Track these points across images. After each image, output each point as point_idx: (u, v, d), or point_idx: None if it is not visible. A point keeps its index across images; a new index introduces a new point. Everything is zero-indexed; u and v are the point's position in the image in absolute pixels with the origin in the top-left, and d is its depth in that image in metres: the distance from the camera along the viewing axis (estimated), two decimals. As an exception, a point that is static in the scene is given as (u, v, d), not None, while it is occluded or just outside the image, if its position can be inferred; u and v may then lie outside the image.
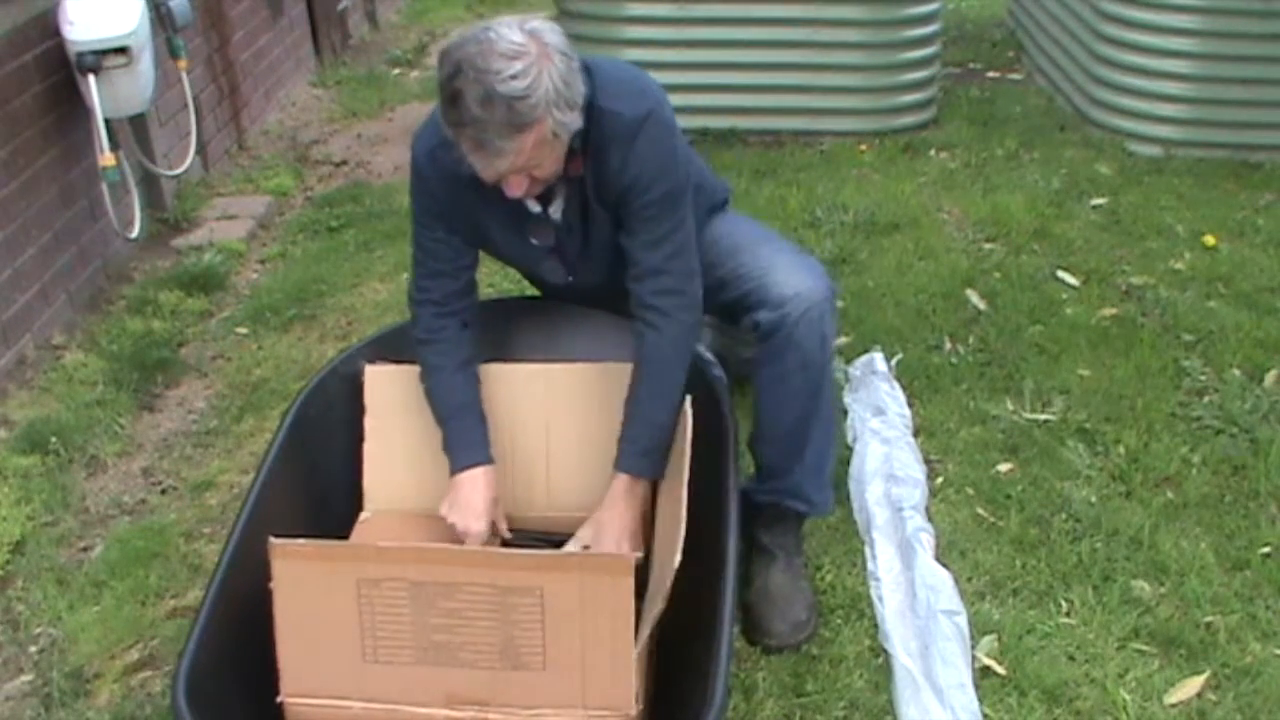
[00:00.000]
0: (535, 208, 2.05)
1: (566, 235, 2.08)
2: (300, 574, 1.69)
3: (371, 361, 2.18)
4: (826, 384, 2.16)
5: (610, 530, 1.99)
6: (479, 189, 1.95)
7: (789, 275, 2.10)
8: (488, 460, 2.07)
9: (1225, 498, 2.56)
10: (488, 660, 1.68)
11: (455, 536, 2.01)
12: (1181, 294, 3.39)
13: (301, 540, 1.71)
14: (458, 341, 2.13)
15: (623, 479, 2.00)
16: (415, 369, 2.14)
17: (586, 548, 1.98)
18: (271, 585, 1.69)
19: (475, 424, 2.09)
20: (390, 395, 2.13)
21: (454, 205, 2.06)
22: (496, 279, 3.46)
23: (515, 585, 1.65)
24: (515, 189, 1.89)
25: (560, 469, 2.12)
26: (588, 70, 1.93)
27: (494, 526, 2.06)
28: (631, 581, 1.65)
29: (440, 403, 2.11)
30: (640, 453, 2.01)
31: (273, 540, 1.68)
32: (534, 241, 2.09)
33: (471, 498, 2.03)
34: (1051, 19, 5.17)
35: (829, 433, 2.24)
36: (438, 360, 2.12)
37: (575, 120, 1.85)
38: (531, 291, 2.50)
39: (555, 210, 2.06)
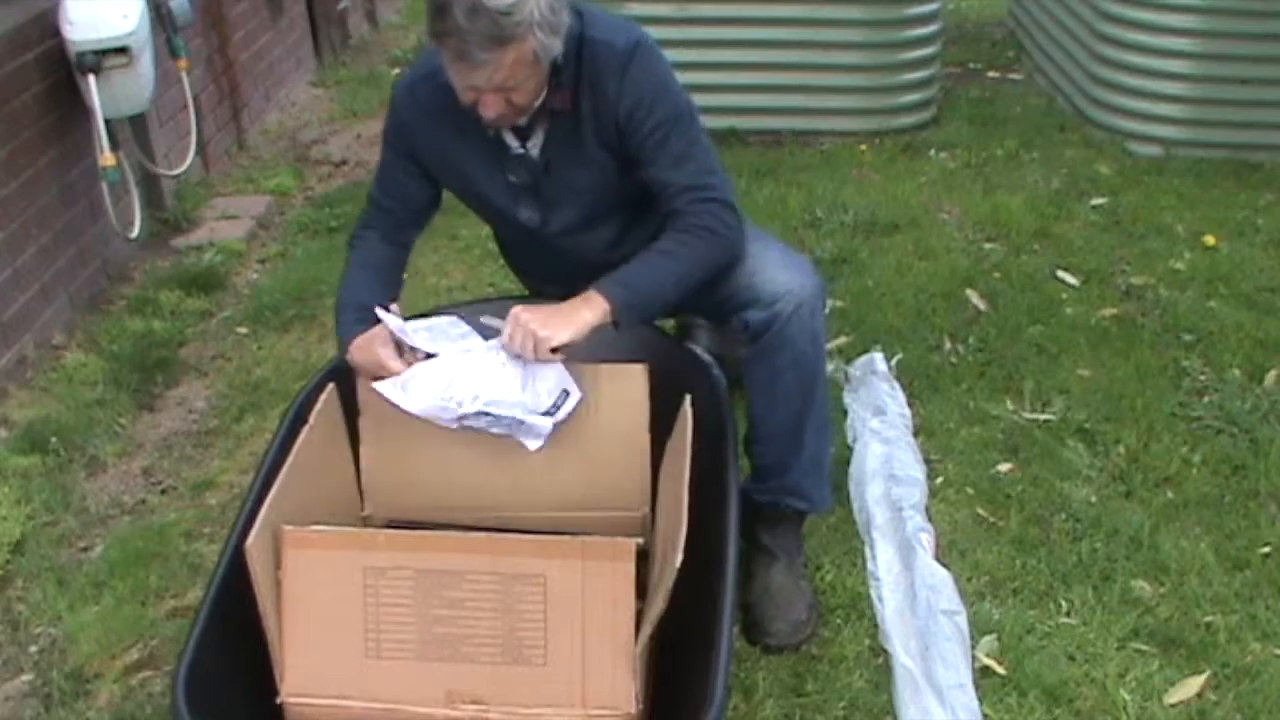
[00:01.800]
0: (514, 144, 2.06)
1: (543, 174, 2.08)
2: (309, 563, 1.71)
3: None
4: (820, 380, 2.16)
5: (546, 313, 1.93)
6: (458, 125, 1.99)
7: (778, 273, 2.09)
8: (366, 325, 2.03)
9: (1225, 498, 2.56)
10: (489, 654, 1.69)
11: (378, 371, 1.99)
12: (1181, 294, 3.39)
13: (312, 528, 1.73)
14: (383, 253, 2.17)
15: (592, 293, 1.95)
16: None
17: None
18: (280, 575, 1.71)
19: (357, 321, 2.07)
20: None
21: (428, 142, 2.09)
22: (497, 279, 3.47)
23: (519, 573, 1.67)
24: (490, 109, 1.90)
25: (558, 469, 2.12)
26: (576, 11, 1.98)
27: (385, 342, 2.00)
28: (632, 567, 1.67)
29: (345, 294, 2.12)
30: (621, 282, 1.97)
31: (284, 528, 1.70)
32: (511, 179, 2.09)
33: (369, 353, 2.00)
34: (1051, 19, 5.17)
35: (825, 429, 2.24)
36: (358, 257, 2.17)
37: (557, 46, 1.89)
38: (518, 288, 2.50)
39: (533, 147, 2.06)
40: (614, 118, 2.00)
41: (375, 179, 2.22)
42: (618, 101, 1.99)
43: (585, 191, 2.10)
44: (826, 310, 3.23)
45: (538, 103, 1.99)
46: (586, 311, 1.94)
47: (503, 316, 2.26)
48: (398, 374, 1.98)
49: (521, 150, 2.07)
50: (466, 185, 2.17)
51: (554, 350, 1.92)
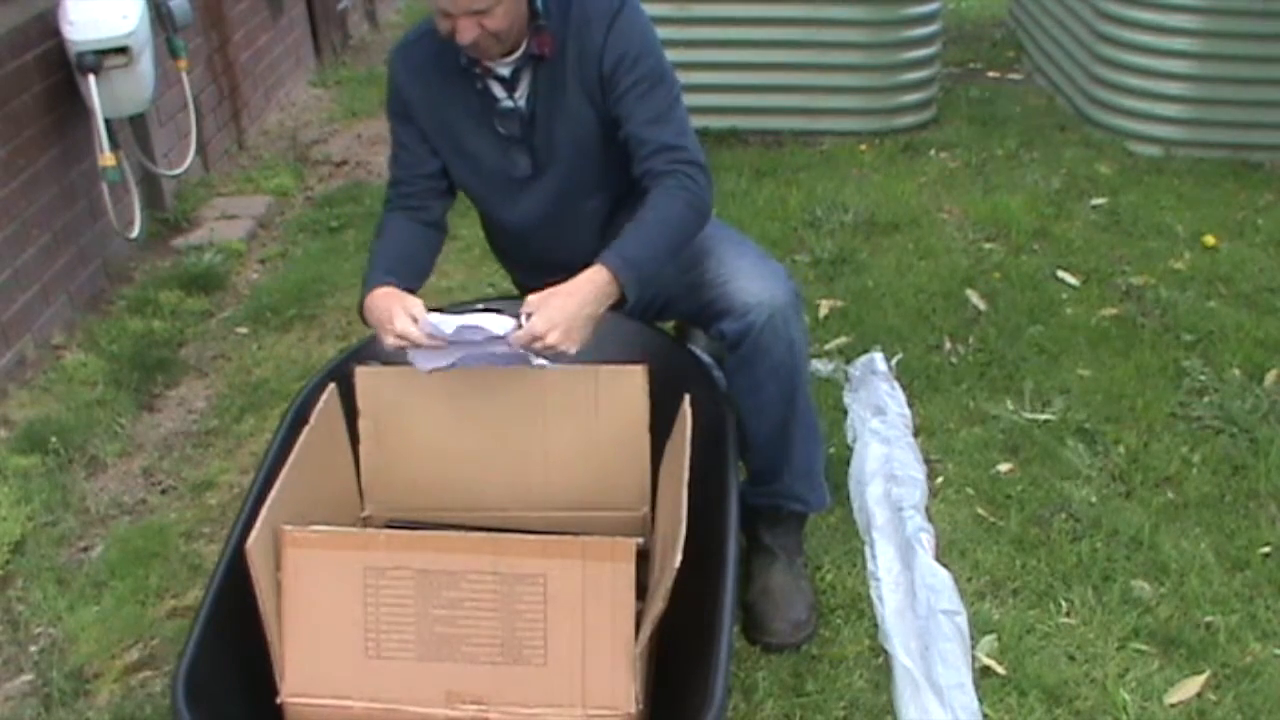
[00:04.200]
0: (501, 94, 2.08)
1: (530, 124, 2.09)
2: (309, 563, 1.71)
3: (369, 362, 2.18)
4: (801, 386, 2.15)
5: (557, 304, 1.88)
6: (448, 81, 2.05)
7: (749, 282, 2.08)
8: (383, 282, 2.02)
9: (1225, 498, 2.56)
10: (489, 654, 1.69)
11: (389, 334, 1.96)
12: (1181, 294, 3.39)
13: (312, 528, 1.74)
14: (405, 226, 2.19)
15: (599, 268, 1.91)
16: (407, 369, 2.14)
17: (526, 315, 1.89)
18: (280, 575, 1.71)
19: (380, 268, 2.08)
20: (383, 396, 2.13)
21: (420, 99, 2.13)
22: (497, 279, 3.47)
23: (519, 573, 1.67)
24: (465, 34, 1.93)
25: (558, 469, 2.12)
26: None
27: (405, 306, 1.97)
28: (633, 568, 1.67)
29: (374, 257, 2.14)
30: (627, 258, 1.94)
31: (284, 528, 1.71)
32: (500, 130, 2.11)
33: (379, 309, 1.98)
34: (1052, 19, 5.17)
35: (812, 432, 2.24)
36: (379, 232, 2.20)
37: None
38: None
39: (520, 98, 2.08)
40: (598, 68, 2.02)
41: (389, 157, 2.24)
42: (603, 51, 2.01)
43: (569, 145, 2.10)
44: (823, 314, 3.24)
45: (522, 46, 2.01)
46: (594, 304, 1.91)
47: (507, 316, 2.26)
48: (400, 333, 1.94)
49: (510, 103, 2.08)
50: (458, 143, 2.17)
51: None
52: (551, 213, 2.17)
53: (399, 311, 1.94)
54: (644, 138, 2.05)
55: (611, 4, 2.03)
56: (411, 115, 2.15)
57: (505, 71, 2.05)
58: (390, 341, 1.95)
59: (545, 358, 1.93)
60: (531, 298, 1.92)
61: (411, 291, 2.01)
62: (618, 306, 1.98)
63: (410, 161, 2.20)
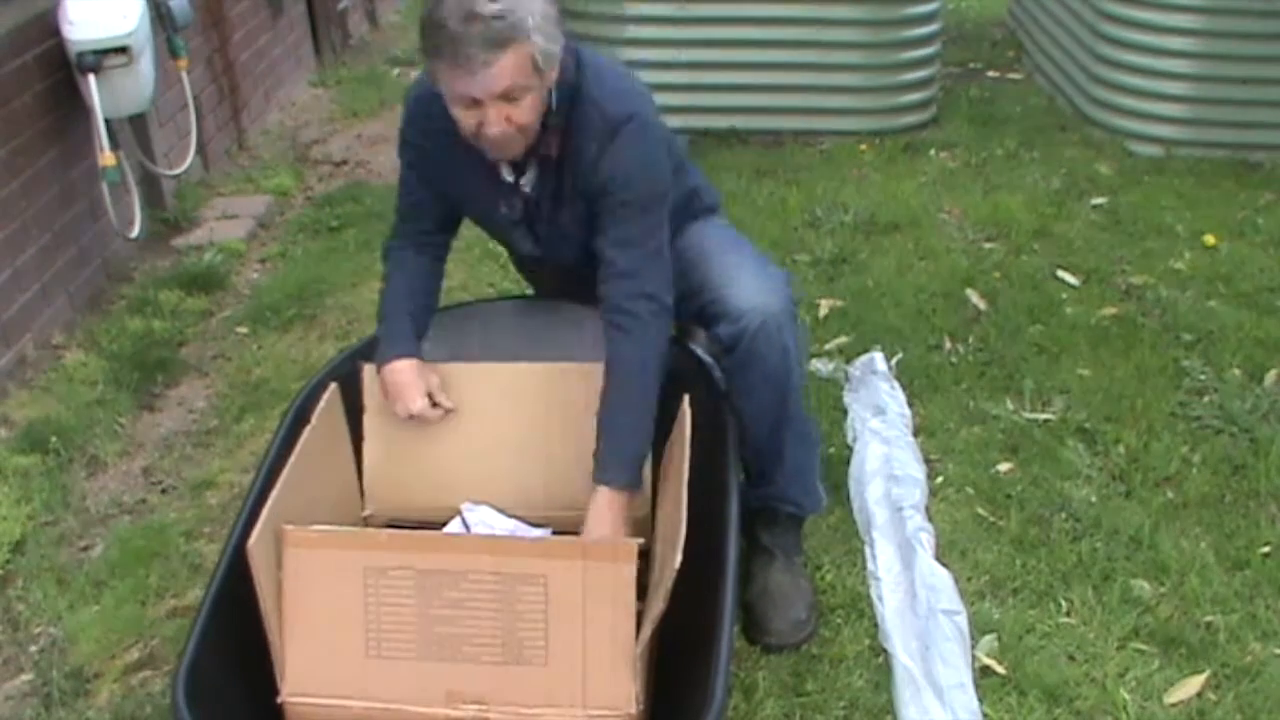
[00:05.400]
0: (509, 176, 2.06)
1: (535, 209, 2.09)
2: (310, 562, 1.72)
3: (371, 360, 2.18)
4: (793, 392, 2.15)
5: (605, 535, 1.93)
6: (460, 148, 1.98)
7: (744, 289, 2.08)
8: (411, 353, 2.10)
9: (1225, 498, 2.56)
10: (490, 654, 1.70)
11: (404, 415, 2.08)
12: (1181, 294, 3.39)
13: (312, 528, 1.74)
14: (416, 263, 2.20)
15: (604, 492, 1.93)
16: None
17: None
18: (281, 575, 1.71)
19: (406, 323, 2.12)
20: None
21: (435, 157, 2.10)
22: (496, 278, 3.47)
23: (520, 573, 1.68)
24: (493, 125, 1.86)
25: (560, 468, 2.12)
26: (579, 60, 1.97)
27: (432, 399, 2.08)
28: (634, 569, 1.67)
29: (382, 304, 2.18)
30: (619, 464, 1.96)
31: (285, 527, 1.71)
32: (504, 210, 2.10)
33: (400, 383, 2.07)
34: (1052, 19, 5.17)
35: (805, 436, 2.25)
36: (392, 269, 2.21)
37: (557, 52, 1.87)
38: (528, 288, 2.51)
39: (527, 183, 2.06)
40: (592, 177, 1.99)
41: (398, 189, 2.23)
42: (596, 166, 1.97)
43: (573, 232, 2.09)
44: (823, 314, 3.24)
45: (533, 136, 1.95)
46: (621, 519, 1.94)
47: (505, 318, 2.29)
48: (413, 413, 2.07)
49: (515, 182, 2.06)
50: (468, 207, 2.19)
51: None
52: (558, 268, 2.21)
53: (420, 393, 2.07)
54: (608, 257, 2.00)
55: (612, 120, 1.96)
56: (424, 166, 2.14)
57: (520, 151, 1.99)
58: (400, 410, 2.08)
59: None
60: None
61: (421, 336, 2.13)
62: None
63: (414, 201, 2.19)
